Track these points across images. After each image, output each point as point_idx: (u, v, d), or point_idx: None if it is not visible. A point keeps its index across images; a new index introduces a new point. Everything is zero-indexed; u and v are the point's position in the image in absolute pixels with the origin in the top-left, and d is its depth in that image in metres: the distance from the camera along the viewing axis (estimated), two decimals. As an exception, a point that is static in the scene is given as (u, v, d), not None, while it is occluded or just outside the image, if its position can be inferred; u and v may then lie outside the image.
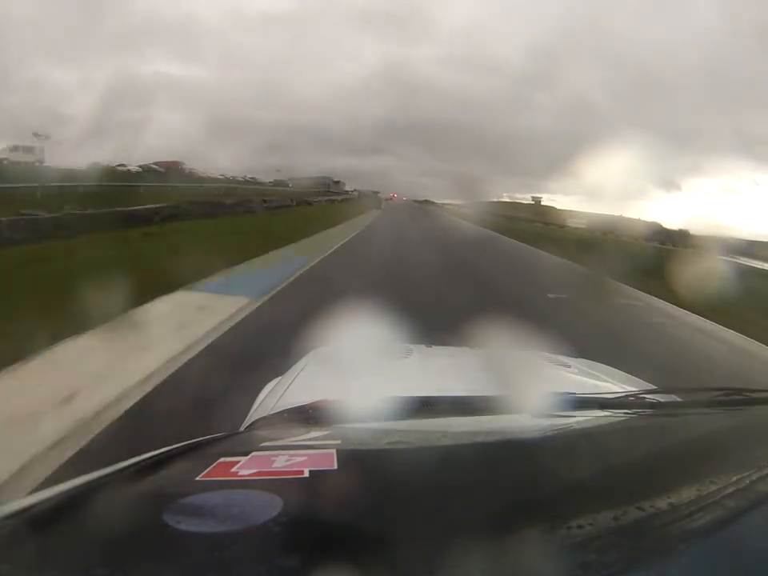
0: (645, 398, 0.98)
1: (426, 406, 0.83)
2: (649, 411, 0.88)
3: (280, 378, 1.34)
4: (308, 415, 0.83)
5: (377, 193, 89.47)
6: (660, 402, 0.99)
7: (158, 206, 12.57)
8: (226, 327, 4.43)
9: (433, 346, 1.72)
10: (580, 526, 0.40)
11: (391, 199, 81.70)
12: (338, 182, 71.70)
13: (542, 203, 76.27)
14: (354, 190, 72.24)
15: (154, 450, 0.59)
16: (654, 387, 1.25)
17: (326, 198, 41.91)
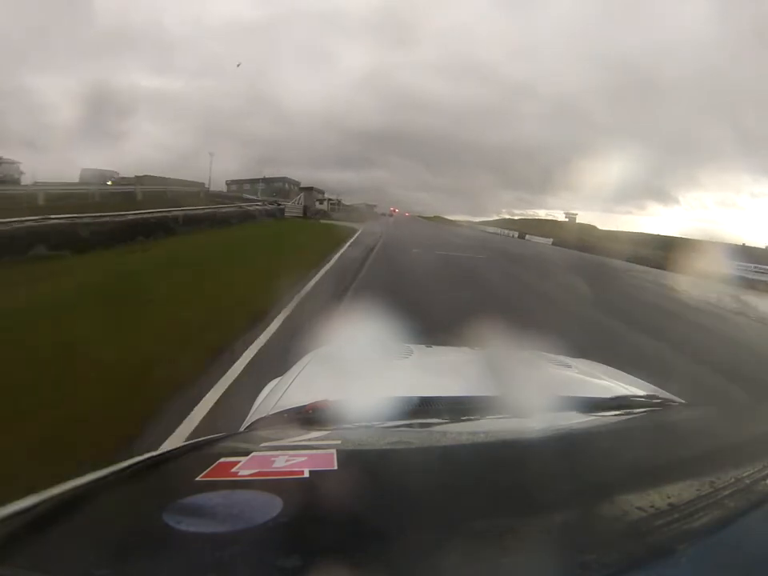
0: (644, 398, 0.98)
1: (425, 406, 0.83)
2: (648, 412, 0.88)
3: (280, 378, 1.34)
4: (308, 415, 0.83)
5: (373, 206, 67.84)
6: (660, 402, 0.99)
7: None
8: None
9: (433, 346, 1.71)
10: (580, 526, 0.40)
11: (392, 215, 62.12)
12: (310, 188, 45.94)
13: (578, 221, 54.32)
14: (332, 200, 45.91)
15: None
16: (654, 388, 1.25)
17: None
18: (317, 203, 40.87)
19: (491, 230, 50.59)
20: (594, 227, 51.86)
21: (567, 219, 55.28)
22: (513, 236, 41.85)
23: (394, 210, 69.41)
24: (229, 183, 46.62)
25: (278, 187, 44.25)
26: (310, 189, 46.54)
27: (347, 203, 58.69)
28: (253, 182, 46.07)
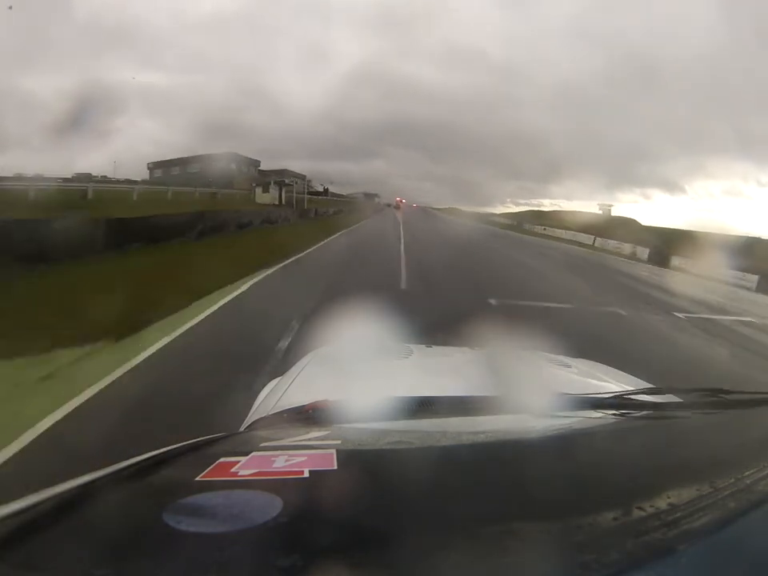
0: (644, 398, 0.98)
1: (425, 406, 0.83)
2: (649, 412, 0.88)
3: (280, 378, 1.34)
4: (308, 415, 0.83)
5: (374, 196, 60.64)
6: (660, 402, 0.99)
7: None
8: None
9: (433, 346, 1.71)
10: (580, 526, 0.40)
11: (398, 206, 53.88)
12: (281, 171, 33.52)
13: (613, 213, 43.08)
14: (289, 184, 30.53)
15: (158, 447, 0.59)
16: (654, 387, 1.25)
17: None
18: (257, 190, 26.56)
19: (564, 234, 29.98)
20: (633, 221, 38.84)
21: (601, 212, 44.83)
22: (638, 253, 19.60)
23: (401, 201, 59.07)
24: (152, 168, 32.41)
25: (222, 170, 28.02)
26: (281, 171, 34.85)
27: (343, 193, 46.62)
28: (186, 162, 31.40)
